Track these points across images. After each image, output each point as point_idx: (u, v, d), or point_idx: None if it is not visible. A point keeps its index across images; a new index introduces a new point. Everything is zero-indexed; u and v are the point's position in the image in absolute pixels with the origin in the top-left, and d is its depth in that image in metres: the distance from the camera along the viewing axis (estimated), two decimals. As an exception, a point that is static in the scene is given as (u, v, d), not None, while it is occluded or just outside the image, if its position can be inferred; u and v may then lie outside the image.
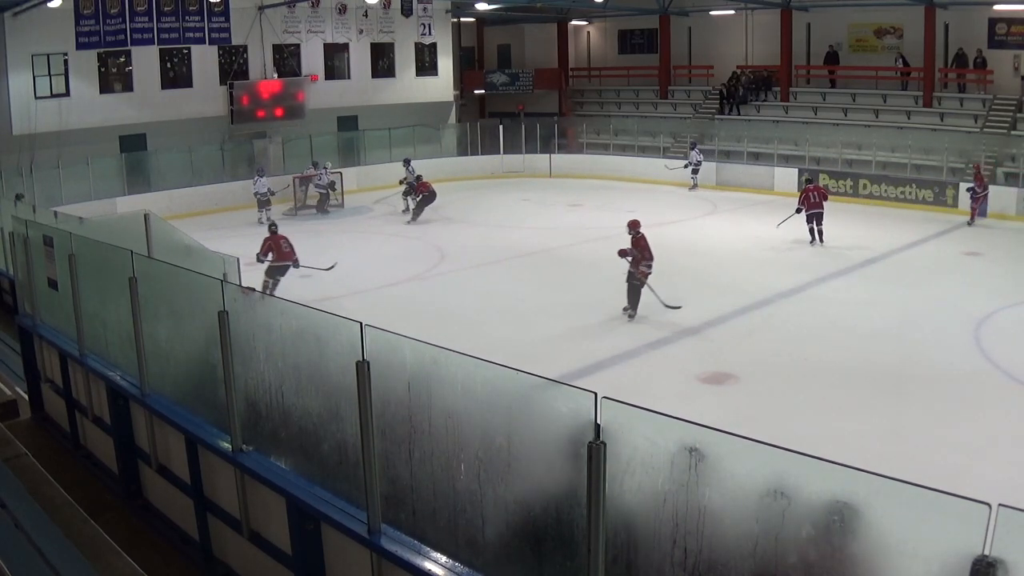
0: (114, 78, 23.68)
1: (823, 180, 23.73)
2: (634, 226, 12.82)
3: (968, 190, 19.99)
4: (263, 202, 21.26)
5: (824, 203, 17.81)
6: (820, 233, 17.81)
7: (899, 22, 26.21)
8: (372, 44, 29.18)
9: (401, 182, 22.13)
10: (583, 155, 29.68)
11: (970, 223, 19.65)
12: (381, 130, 27.98)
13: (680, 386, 10.12)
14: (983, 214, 20.11)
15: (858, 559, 2.83)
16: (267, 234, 13.85)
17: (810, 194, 17.95)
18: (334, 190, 22.90)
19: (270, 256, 13.42)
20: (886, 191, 22.79)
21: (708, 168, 26.11)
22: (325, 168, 22.95)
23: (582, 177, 27.90)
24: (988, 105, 23.80)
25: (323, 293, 13.01)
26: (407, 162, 22.78)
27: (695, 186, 25.26)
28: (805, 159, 25.05)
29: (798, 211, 17.99)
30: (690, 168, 25.11)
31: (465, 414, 3.99)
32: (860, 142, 24.63)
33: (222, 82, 25.57)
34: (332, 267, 14.84)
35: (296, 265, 13.53)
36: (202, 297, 5.73)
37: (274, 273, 13.55)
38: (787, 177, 24.37)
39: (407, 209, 21.80)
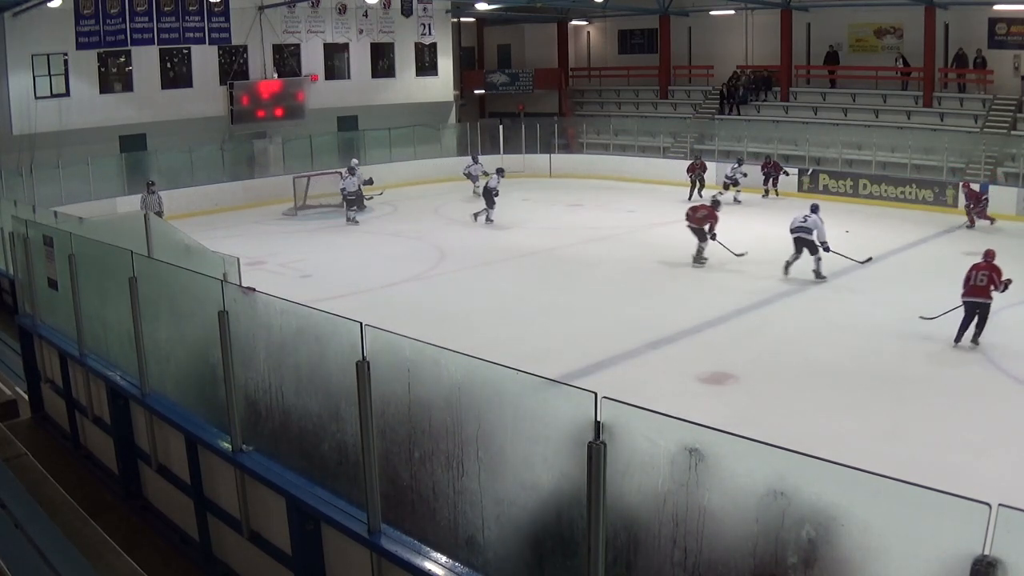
0: (114, 78, 23.68)
1: (823, 180, 23.82)
2: None
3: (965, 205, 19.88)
4: (351, 200, 21.09)
5: (703, 175, 24.05)
6: (699, 192, 23.43)
7: (899, 22, 26.19)
8: (372, 44, 29.19)
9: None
10: (583, 155, 29.66)
11: (969, 226, 19.47)
12: (381, 130, 27.98)
13: (680, 386, 10.12)
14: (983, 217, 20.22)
15: (857, 559, 2.83)
16: (708, 206, 16.15)
17: (696, 167, 24.01)
18: (368, 185, 22.65)
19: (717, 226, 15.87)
20: (886, 191, 22.77)
21: (708, 169, 26.05)
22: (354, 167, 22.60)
23: (582, 177, 27.87)
24: (988, 105, 23.79)
25: (323, 293, 13.01)
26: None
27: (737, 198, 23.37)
28: (805, 159, 25.04)
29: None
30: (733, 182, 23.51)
31: (465, 414, 3.98)
32: (860, 142, 24.61)
33: (222, 82, 25.58)
34: (868, 260, 13.73)
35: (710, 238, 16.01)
36: (202, 297, 5.72)
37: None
38: (787, 177, 24.32)
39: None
